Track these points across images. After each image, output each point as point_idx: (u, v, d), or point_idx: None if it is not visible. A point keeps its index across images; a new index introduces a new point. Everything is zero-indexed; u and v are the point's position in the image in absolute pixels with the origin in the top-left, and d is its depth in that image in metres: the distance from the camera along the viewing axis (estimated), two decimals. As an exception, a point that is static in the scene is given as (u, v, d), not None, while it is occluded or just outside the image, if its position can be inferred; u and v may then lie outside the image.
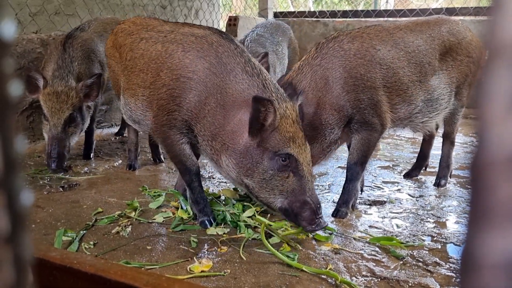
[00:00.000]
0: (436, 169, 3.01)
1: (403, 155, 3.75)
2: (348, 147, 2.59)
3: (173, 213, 2.41)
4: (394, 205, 2.61)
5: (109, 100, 4.27)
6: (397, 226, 2.32)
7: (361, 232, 2.25)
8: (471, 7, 5.42)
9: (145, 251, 2.01)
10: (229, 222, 2.28)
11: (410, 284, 1.76)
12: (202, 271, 1.83)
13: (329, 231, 2.21)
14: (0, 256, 0.35)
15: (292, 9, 10.41)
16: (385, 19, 5.83)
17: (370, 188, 2.91)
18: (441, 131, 2.99)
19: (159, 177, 3.15)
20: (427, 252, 2.04)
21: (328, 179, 3.11)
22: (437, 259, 1.96)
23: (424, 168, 3.15)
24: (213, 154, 2.12)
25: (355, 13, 6.24)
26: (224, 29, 5.74)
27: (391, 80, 2.38)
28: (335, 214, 2.43)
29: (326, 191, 2.86)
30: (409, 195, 2.79)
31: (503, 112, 0.33)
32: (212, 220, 2.27)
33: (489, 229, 0.34)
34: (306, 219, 1.94)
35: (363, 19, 5.96)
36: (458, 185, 2.96)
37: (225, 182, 2.96)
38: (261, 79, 2.05)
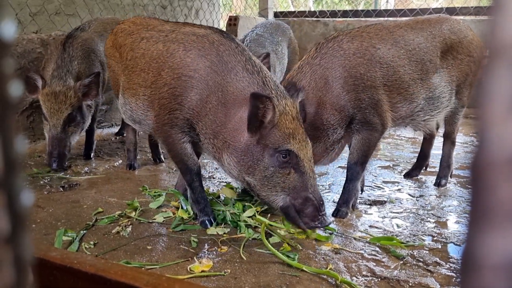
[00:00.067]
0: (437, 169, 3.01)
1: (403, 155, 3.74)
2: (349, 146, 2.59)
3: (174, 213, 2.41)
4: (394, 205, 2.61)
5: (109, 100, 4.27)
6: (398, 226, 2.32)
7: (361, 232, 2.25)
8: (472, 7, 5.42)
9: (146, 251, 2.02)
10: (229, 222, 2.29)
11: (410, 284, 1.76)
12: (203, 271, 1.83)
13: (329, 231, 2.21)
14: (0, 256, 0.35)
15: (292, 9, 10.41)
16: (386, 18, 5.83)
17: (371, 188, 2.91)
18: (441, 131, 2.99)
19: (159, 177, 3.15)
20: (427, 252, 2.04)
21: (328, 179, 3.11)
22: (438, 259, 1.96)
23: (424, 168, 3.14)
24: (215, 152, 2.12)
25: (356, 13, 6.24)
26: (224, 29, 5.74)
27: (391, 78, 2.38)
28: (336, 214, 2.43)
29: (326, 191, 2.86)
30: (410, 195, 2.79)
31: (503, 112, 0.33)
32: (212, 220, 2.27)
33: (489, 229, 0.34)
34: (308, 216, 1.93)
35: (363, 18, 5.96)
36: (458, 185, 2.96)
37: (226, 182, 2.96)
38: (261, 77, 2.05)
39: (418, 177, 3.10)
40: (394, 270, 1.86)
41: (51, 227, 2.25)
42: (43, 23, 4.35)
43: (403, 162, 3.49)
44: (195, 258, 1.94)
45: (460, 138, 4.01)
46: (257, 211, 2.35)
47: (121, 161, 3.47)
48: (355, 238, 2.17)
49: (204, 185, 2.38)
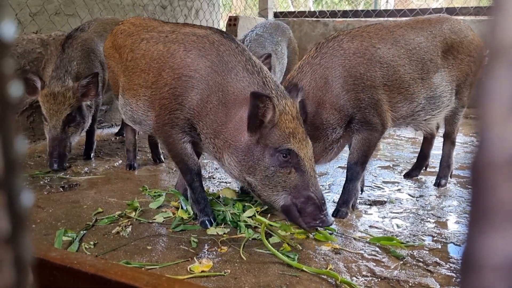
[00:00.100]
0: (436, 169, 3.01)
1: (403, 155, 3.74)
2: (349, 146, 2.59)
3: (173, 213, 2.41)
4: (394, 205, 2.61)
5: (109, 100, 4.27)
6: (398, 226, 2.32)
7: (361, 232, 2.25)
8: (471, 7, 5.42)
9: (145, 251, 2.02)
10: (229, 222, 2.29)
11: (410, 284, 1.76)
12: (203, 271, 1.83)
13: (329, 231, 2.21)
14: (1, 256, 0.35)
15: (292, 9, 10.41)
16: (385, 19, 5.83)
17: (371, 188, 2.91)
18: (441, 131, 2.99)
19: (159, 177, 3.15)
20: (427, 252, 2.04)
21: (328, 179, 3.12)
22: (438, 259, 1.96)
23: (424, 168, 3.14)
24: (216, 152, 2.13)
25: (355, 13, 6.24)
26: (224, 29, 5.74)
27: (391, 78, 2.38)
28: (335, 214, 2.43)
29: (326, 191, 2.86)
30: (410, 195, 2.79)
31: (503, 112, 0.33)
32: (212, 220, 2.27)
33: (489, 230, 0.34)
34: (309, 215, 1.93)
35: (363, 19, 5.96)
36: (458, 185, 2.96)
37: (226, 182, 2.96)
38: (262, 77, 2.06)
39: (418, 177, 3.10)
40: (394, 270, 1.86)
41: (51, 227, 2.25)
42: (43, 23, 4.35)
43: (403, 162, 3.49)
44: (195, 258, 1.94)
45: (460, 138, 4.02)
46: (257, 211, 2.35)
47: (121, 161, 3.47)
48: (355, 238, 2.17)
49: (204, 185, 2.38)
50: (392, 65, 2.38)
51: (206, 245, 2.09)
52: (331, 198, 2.71)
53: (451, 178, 2.97)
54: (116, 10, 5.10)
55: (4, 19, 0.34)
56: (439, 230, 2.27)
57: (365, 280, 1.79)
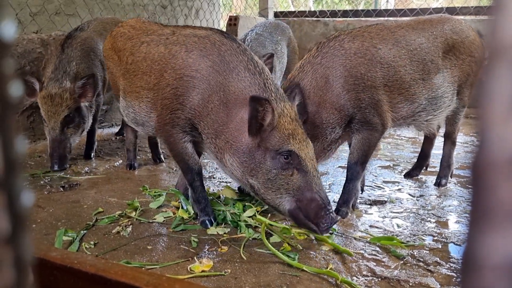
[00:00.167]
0: (437, 169, 3.01)
1: (403, 154, 3.74)
2: (349, 146, 2.59)
3: (174, 213, 2.41)
4: (394, 205, 2.61)
5: (109, 100, 4.27)
6: (398, 226, 2.32)
7: (361, 231, 2.25)
8: (472, 7, 5.42)
9: (146, 251, 2.02)
10: (229, 222, 2.29)
11: (410, 284, 1.76)
12: (203, 271, 1.83)
13: (330, 231, 2.21)
14: (1, 256, 0.35)
15: (292, 9, 10.41)
16: (386, 18, 5.82)
17: (371, 187, 2.91)
18: (442, 131, 2.99)
19: (159, 177, 3.15)
20: (427, 251, 2.03)
21: (328, 178, 3.11)
22: (438, 259, 1.96)
23: (424, 167, 3.14)
24: (217, 152, 2.12)
25: (356, 13, 6.24)
26: (224, 29, 5.74)
27: (392, 79, 2.38)
28: (336, 214, 2.42)
29: (326, 190, 2.86)
30: (410, 194, 2.79)
31: (504, 112, 0.33)
32: (212, 219, 2.27)
33: (489, 229, 0.34)
34: (319, 218, 1.91)
35: (363, 18, 5.95)
36: (458, 184, 2.96)
37: (226, 182, 2.96)
38: (263, 78, 2.06)
39: (418, 177, 3.10)
40: (395, 270, 1.86)
41: (51, 227, 2.25)
42: (43, 23, 4.35)
43: (403, 162, 3.49)
44: (195, 258, 1.94)
45: (460, 138, 4.01)
46: (257, 211, 2.35)
47: (121, 161, 3.47)
48: (355, 238, 2.17)
49: (204, 185, 2.38)
50: (393, 65, 2.38)
51: (206, 244, 2.09)
52: (332, 197, 2.71)
53: (451, 178, 2.96)
54: (116, 10, 5.10)
55: (4, 19, 0.34)
56: (439, 229, 2.27)
57: (365, 279, 1.79)
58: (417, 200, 2.69)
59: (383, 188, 2.90)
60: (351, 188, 2.44)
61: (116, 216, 2.37)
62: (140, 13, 5.39)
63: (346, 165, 2.52)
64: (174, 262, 1.91)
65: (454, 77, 2.58)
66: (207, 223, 2.26)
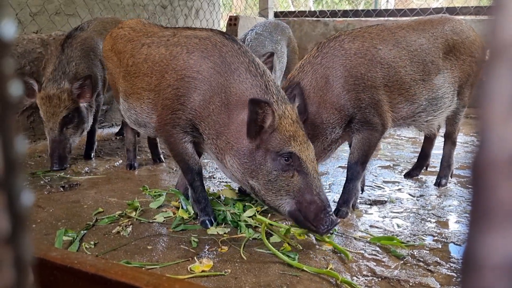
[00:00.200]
0: (437, 169, 3.01)
1: (403, 154, 3.74)
2: (349, 146, 2.59)
3: (174, 213, 2.41)
4: (394, 205, 2.61)
5: (109, 100, 4.27)
6: (398, 226, 2.32)
7: (361, 231, 2.25)
8: (472, 7, 5.42)
9: (146, 251, 2.02)
10: (229, 222, 2.29)
11: (410, 284, 1.76)
12: (203, 271, 1.83)
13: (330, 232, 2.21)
14: (1, 256, 0.35)
15: (292, 9, 10.41)
16: (386, 18, 5.82)
17: (371, 187, 2.91)
18: (442, 130, 2.99)
19: (159, 177, 3.15)
20: (427, 251, 2.03)
21: (328, 178, 3.11)
22: (438, 259, 1.96)
23: (425, 167, 3.14)
24: (218, 153, 2.12)
25: (356, 13, 6.24)
26: (224, 29, 5.74)
27: (392, 79, 2.38)
28: (336, 213, 2.43)
29: (326, 190, 2.86)
30: (410, 194, 2.79)
31: (504, 112, 0.33)
32: (213, 219, 2.27)
33: (489, 229, 0.34)
34: (320, 220, 1.92)
35: (363, 18, 5.95)
36: (458, 184, 2.96)
37: (226, 182, 2.96)
38: (264, 80, 2.06)
39: (419, 177, 3.10)
40: (395, 270, 1.86)
41: (51, 227, 2.25)
42: (43, 23, 4.35)
43: (404, 162, 3.49)
44: (195, 258, 1.94)
45: (460, 138, 4.01)
46: (257, 211, 2.35)
47: (121, 161, 3.47)
48: (355, 238, 2.17)
49: (204, 185, 2.38)
50: (393, 66, 2.38)
51: (206, 244, 2.09)
52: (332, 197, 2.71)
53: (451, 177, 2.96)
54: (116, 10, 5.10)
55: (4, 19, 0.34)
56: (439, 229, 2.27)
57: (365, 279, 1.79)
58: (417, 200, 2.69)
59: (383, 188, 2.90)
60: (351, 188, 2.45)
61: (116, 216, 2.37)
62: (140, 13, 5.39)
63: (346, 165, 2.52)
64: (174, 262, 1.91)
65: (454, 77, 2.58)
66: (207, 223, 2.26)
